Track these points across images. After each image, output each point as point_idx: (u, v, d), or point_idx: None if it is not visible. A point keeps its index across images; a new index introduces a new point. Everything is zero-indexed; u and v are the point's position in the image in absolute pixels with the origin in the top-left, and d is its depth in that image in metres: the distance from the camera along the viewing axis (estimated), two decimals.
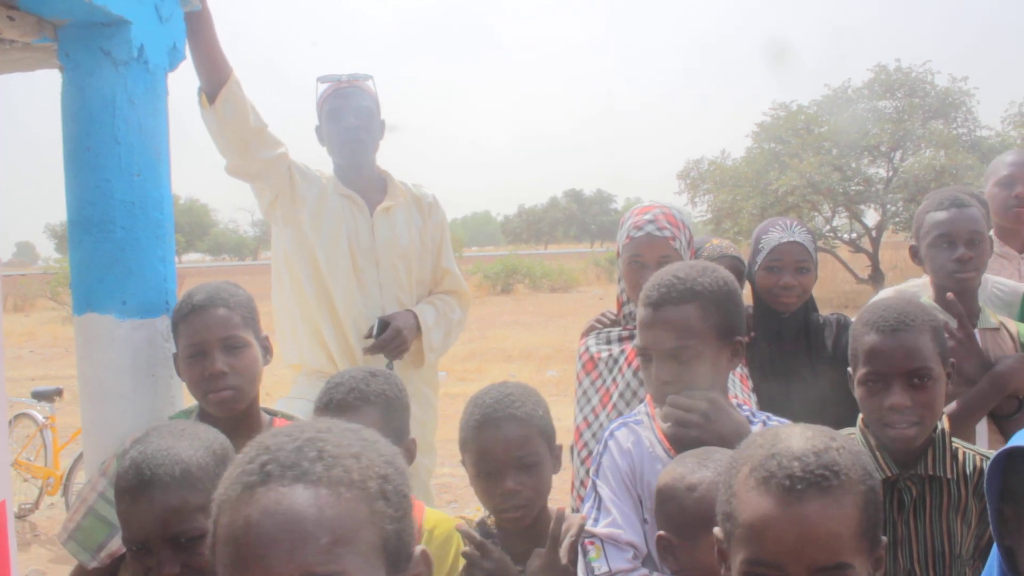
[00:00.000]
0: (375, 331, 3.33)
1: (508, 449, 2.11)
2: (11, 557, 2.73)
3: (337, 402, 2.15)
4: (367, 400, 2.15)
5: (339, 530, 1.05)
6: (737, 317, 2.09)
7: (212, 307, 2.27)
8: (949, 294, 2.69)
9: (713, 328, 2.02)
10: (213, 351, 2.25)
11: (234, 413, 2.26)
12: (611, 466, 2.11)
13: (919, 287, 3.01)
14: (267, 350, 2.42)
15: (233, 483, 1.09)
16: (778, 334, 2.95)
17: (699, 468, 1.85)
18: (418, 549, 1.18)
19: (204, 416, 2.30)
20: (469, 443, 2.18)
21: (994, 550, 1.59)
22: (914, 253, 2.88)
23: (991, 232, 2.99)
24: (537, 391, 2.29)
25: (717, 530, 1.47)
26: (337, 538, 1.05)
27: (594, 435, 2.63)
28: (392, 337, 3.33)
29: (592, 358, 2.75)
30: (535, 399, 2.22)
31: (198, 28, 2.81)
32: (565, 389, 10.69)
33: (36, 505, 6.94)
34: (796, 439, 1.40)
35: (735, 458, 1.47)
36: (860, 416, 2.10)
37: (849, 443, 1.43)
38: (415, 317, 3.45)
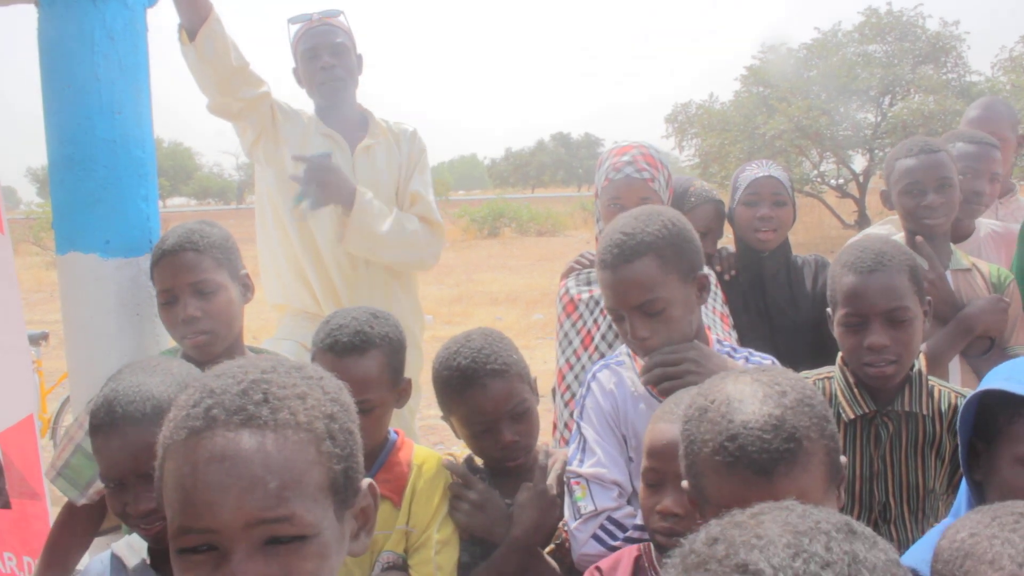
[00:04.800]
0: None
1: (498, 405, 2.13)
2: (40, 464, 2.85)
3: (343, 345, 2.11)
4: (372, 343, 2.12)
5: (287, 474, 1.05)
6: (694, 254, 2.08)
7: (181, 251, 2.25)
8: (918, 237, 2.73)
9: (673, 272, 2.02)
10: (184, 296, 2.25)
11: (212, 356, 2.24)
12: (594, 407, 2.14)
13: (890, 223, 3.07)
14: (247, 287, 2.41)
15: (178, 427, 1.08)
16: (760, 273, 2.99)
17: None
18: (365, 482, 1.19)
19: (189, 357, 2.31)
20: (454, 406, 2.18)
21: (963, 485, 1.63)
22: (885, 198, 2.93)
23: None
24: (500, 332, 2.28)
25: (685, 483, 1.49)
26: (285, 483, 1.05)
27: (576, 377, 2.65)
28: (318, 167, 3.17)
29: (572, 300, 2.75)
30: (504, 344, 2.22)
31: None
32: (551, 332, 10.71)
33: None
34: (750, 407, 1.39)
35: (692, 429, 1.45)
36: (839, 354, 2.13)
37: (799, 391, 1.42)
38: (355, 190, 3.28)
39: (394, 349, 2.20)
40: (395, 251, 3.39)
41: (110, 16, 2.43)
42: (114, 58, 2.43)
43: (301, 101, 3.50)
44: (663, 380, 2.01)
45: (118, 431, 1.68)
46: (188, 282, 2.24)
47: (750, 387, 1.43)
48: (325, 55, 3.38)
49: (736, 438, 1.37)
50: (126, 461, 1.68)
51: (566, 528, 2.10)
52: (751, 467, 1.35)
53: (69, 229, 2.46)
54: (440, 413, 2.28)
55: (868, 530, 0.82)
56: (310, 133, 3.39)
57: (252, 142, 3.34)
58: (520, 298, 14.24)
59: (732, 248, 3.11)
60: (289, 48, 3.51)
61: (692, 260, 2.06)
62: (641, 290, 2.00)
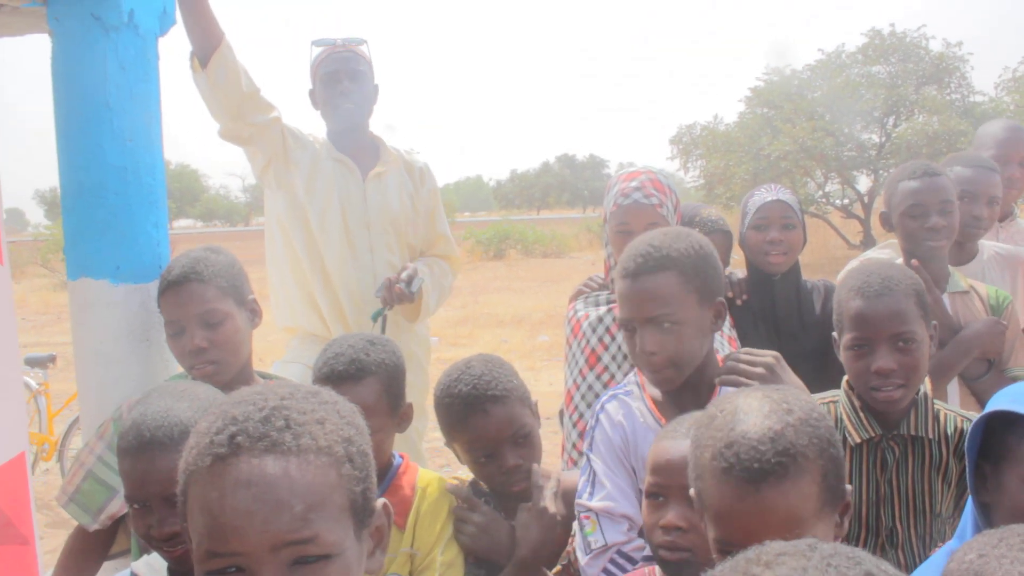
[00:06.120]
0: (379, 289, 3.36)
1: (500, 430, 2.15)
2: (31, 507, 2.76)
3: (339, 373, 2.14)
4: (368, 371, 2.16)
5: (311, 497, 1.09)
6: (715, 279, 2.10)
7: (186, 283, 2.27)
8: (914, 260, 2.74)
9: (693, 292, 2.03)
10: (191, 327, 2.26)
11: (220, 384, 2.24)
12: (603, 440, 2.14)
13: (889, 248, 3.09)
14: (255, 312, 2.42)
15: (202, 454, 1.11)
16: (771, 298, 3.00)
17: None
18: (379, 502, 1.23)
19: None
20: (457, 433, 2.21)
21: (969, 506, 1.64)
22: (885, 220, 2.94)
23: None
24: (500, 357, 2.31)
25: (692, 491, 1.52)
26: (309, 504, 1.09)
27: (583, 397, 2.67)
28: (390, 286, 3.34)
29: (579, 320, 2.78)
30: (504, 369, 2.24)
31: None
32: (557, 354, 10.74)
33: (31, 471, 6.95)
34: (753, 419, 1.44)
35: (699, 435, 1.50)
36: (844, 378, 2.14)
37: (806, 411, 1.46)
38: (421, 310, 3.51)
39: (391, 375, 2.22)
40: (438, 307, 3.74)
41: (123, 46, 2.46)
42: (126, 87, 2.46)
43: (312, 125, 3.54)
44: (733, 374, 2.05)
45: (146, 454, 1.70)
46: (194, 313, 2.26)
47: (758, 402, 1.48)
48: (345, 80, 3.42)
49: (733, 445, 1.42)
50: (153, 484, 1.69)
51: (574, 555, 2.10)
52: (742, 474, 1.40)
53: (80, 255, 2.48)
54: None
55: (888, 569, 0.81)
56: (321, 158, 3.42)
57: (263, 167, 3.37)
58: (525, 320, 14.26)
59: (741, 273, 3.13)
60: (308, 70, 3.55)
61: (713, 285, 2.08)
62: (658, 303, 2.00)
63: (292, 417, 1.13)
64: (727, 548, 1.42)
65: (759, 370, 2.04)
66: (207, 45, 2.93)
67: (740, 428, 1.43)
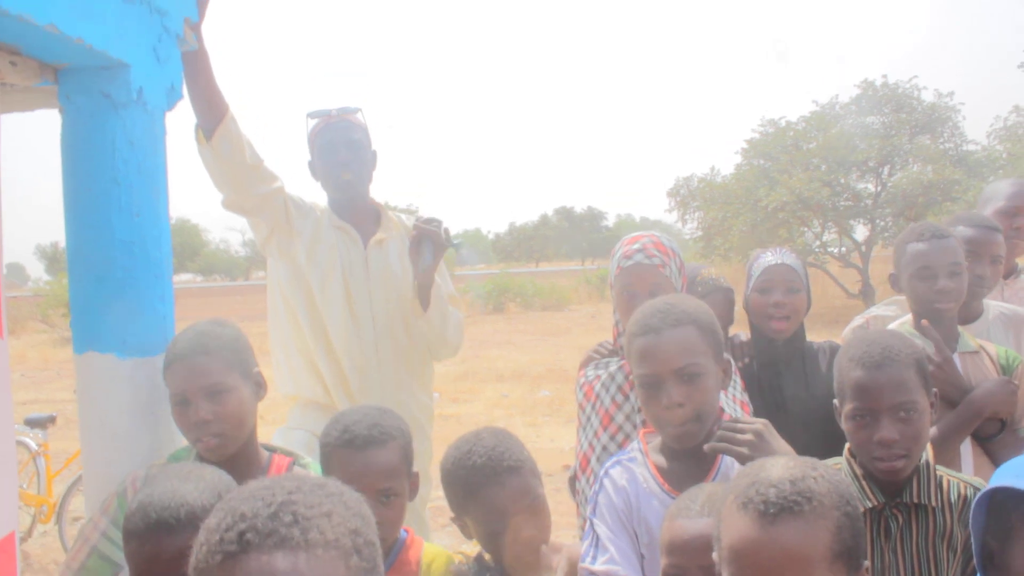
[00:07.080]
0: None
1: (517, 500, 2.14)
2: None
3: (363, 437, 2.14)
4: (389, 434, 2.18)
5: None
6: (721, 340, 2.22)
7: (192, 356, 2.30)
8: (924, 320, 2.76)
9: (709, 347, 2.13)
10: (196, 400, 2.28)
11: (224, 457, 2.28)
12: (607, 504, 2.16)
13: (895, 305, 3.11)
14: (260, 385, 2.43)
15: (212, 551, 1.12)
16: (774, 361, 3.01)
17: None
18: None
19: (203, 456, 2.33)
20: (471, 506, 2.19)
21: None
22: (894, 281, 2.97)
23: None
24: (508, 431, 2.32)
25: (715, 554, 1.55)
26: None
27: (598, 459, 2.65)
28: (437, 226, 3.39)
29: (591, 384, 2.78)
30: (513, 440, 2.25)
31: (194, 67, 2.85)
32: (558, 409, 10.72)
33: (29, 533, 6.88)
34: (777, 468, 1.52)
35: (727, 487, 1.58)
36: (847, 446, 2.15)
37: (830, 473, 1.53)
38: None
39: (407, 440, 2.25)
40: (447, 334, 3.61)
41: (130, 122, 2.50)
42: (134, 163, 2.50)
43: (314, 193, 3.59)
44: (724, 441, 2.09)
45: (152, 536, 1.72)
46: (199, 386, 2.28)
47: (787, 459, 1.57)
48: (342, 150, 3.47)
49: (755, 484, 1.50)
50: (159, 565, 1.71)
51: None
52: (759, 507, 1.47)
53: (87, 329, 2.49)
54: None
55: None
56: (323, 226, 3.46)
57: (266, 236, 3.40)
58: (526, 374, 14.21)
59: (744, 335, 3.14)
60: (306, 141, 3.60)
61: (720, 344, 2.20)
62: (685, 353, 2.08)
63: (300, 512, 1.14)
64: None
65: (748, 436, 2.07)
66: (212, 118, 2.98)
67: (764, 473, 1.52)
